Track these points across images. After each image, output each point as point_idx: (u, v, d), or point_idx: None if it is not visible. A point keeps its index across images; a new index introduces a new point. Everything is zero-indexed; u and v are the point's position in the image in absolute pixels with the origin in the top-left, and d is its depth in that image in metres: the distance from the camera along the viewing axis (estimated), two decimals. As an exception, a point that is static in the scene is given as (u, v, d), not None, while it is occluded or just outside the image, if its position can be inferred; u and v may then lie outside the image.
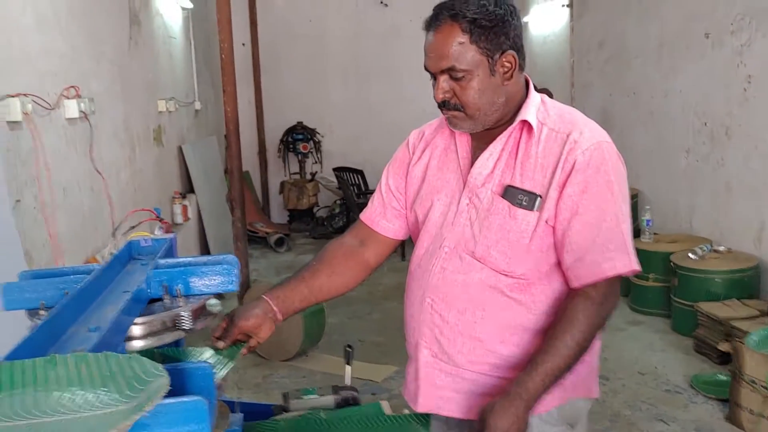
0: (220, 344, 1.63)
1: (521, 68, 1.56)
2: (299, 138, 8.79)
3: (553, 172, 1.50)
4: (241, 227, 4.98)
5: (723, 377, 4.01)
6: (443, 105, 1.54)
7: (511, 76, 1.53)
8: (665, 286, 5.04)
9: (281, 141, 8.88)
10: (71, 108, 3.13)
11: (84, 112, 3.24)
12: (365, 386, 4.15)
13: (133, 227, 1.75)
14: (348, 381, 1.85)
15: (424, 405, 1.66)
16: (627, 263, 1.50)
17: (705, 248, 4.80)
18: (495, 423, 1.41)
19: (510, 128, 1.56)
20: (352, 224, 1.87)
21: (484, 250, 1.55)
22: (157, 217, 1.72)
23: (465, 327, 1.58)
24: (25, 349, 1.04)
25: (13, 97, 2.55)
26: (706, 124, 5.24)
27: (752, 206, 4.86)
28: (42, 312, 1.33)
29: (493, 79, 1.51)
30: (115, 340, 1.17)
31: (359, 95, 8.75)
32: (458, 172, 1.63)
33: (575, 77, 7.49)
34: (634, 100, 6.34)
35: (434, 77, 1.54)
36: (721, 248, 4.83)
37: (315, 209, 8.87)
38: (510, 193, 1.53)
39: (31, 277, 1.50)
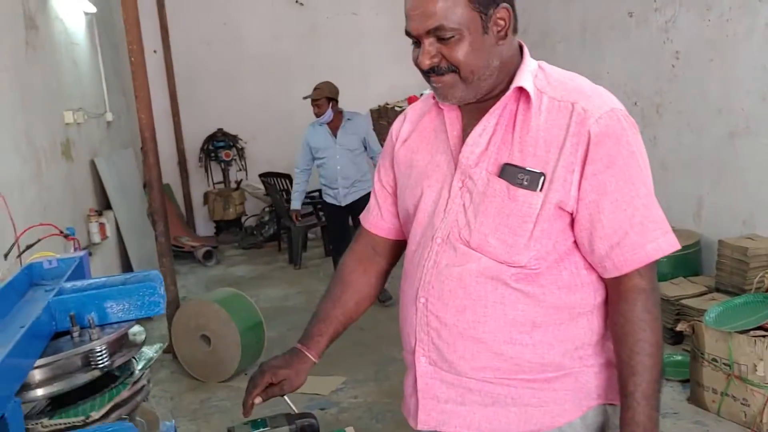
0: (258, 400, 1.56)
1: (515, 29, 1.36)
2: (221, 145, 8.41)
3: (561, 148, 1.29)
4: (165, 242, 4.63)
5: (679, 357, 3.93)
6: (432, 72, 1.33)
7: (506, 34, 1.33)
8: (609, 270, 4.96)
9: (202, 150, 8.48)
10: (-41, 120, 2.76)
11: (-25, 124, 2.86)
12: (312, 401, 3.89)
13: (30, 246, 1.45)
14: (294, 409, 1.60)
15: (425, 422, 1.45)
16: (671, 241, 1.34)
17: (646, 228, 4.74)
18: None
19: (504, 98, 1.35)
20: (358, 230, 1.71)
21: (480, 238, 1.34)
22: (62, 232, 1.43)
23: (465, 327, 1.36)
24: None
25: None
26: (636, 103, 5.19)
27: (689, 183, 4.83)
28: None
29: (486, 38, 1.30)
30: (3, 391, 0.89)
31: (280, 97, 8.42)
32: (449, 153, 1.42)
33: (500, 66, 7.40)
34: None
35: (418, 42, 1.33)
36: (662, 227, 4.78)
37: (243, 219, 8.52)
38: (508, 172, 1.32)
39: None
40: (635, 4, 5.19)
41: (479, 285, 1.34)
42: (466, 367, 1.38)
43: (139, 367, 1.21)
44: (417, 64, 1.34)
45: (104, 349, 1.09)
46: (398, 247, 1.65)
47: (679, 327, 3.69)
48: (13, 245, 1.37)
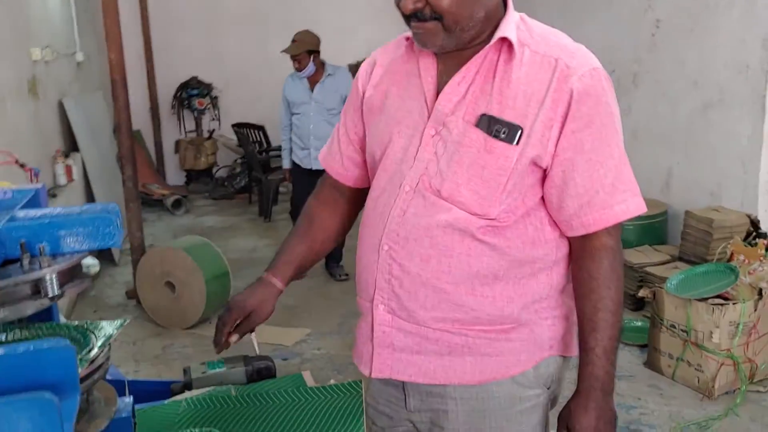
0: (233, 338, 1.53)
1: None
2: (194, 93, 8.26)
3: (541, 103, 1.28)
4: (133, 187, 4.55)
5: (639, 323, 4.00)
6: (414, 17, 1.28)
7: None
8: (577, 236, 5.00)
9: (175, 97, 8.33)
10: None
11: (-65, 53, 2.77)
12: (275, 351, 3.90)
13: (-17, 173, 1.40)
14: (257, 350, 1.59)
15: (379, 370, 1.44)
16: (639, 204, 1.35)
17: (615, 196, 4.78)
18: (581, 425, 1.35)
19: (486, 48, 1.32)
20: (323, 175, 1.68)
21: (452, 188, 1.32)
22: (17, 161, 1.38)
23: (428, 277, 1.35)
24: None
25: None
26: (614, 71, 5.18)
27: (660, 153, 4.87)
28: None
29: None
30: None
31: (258, 48, 8.26)
32: (422, 99, 1.38)
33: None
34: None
35: None
36: (631, 195, 4.81)
37: (214, 169, 8.43)
38: (486, 123, 1.29)
39: None
40: (619, -30, 5.15)
41: (446, 235, 1.33)
42: (425, 317, 1.38)
43: (99, 344, 1.18)
44: (399, 7, 1.30)
45: (54, 278, 1.07)
46: (364, 193, 1.62)
47: (641, 293, 3.75)
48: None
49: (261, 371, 1.56)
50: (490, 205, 1.31)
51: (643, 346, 3.77)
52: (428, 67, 1.38)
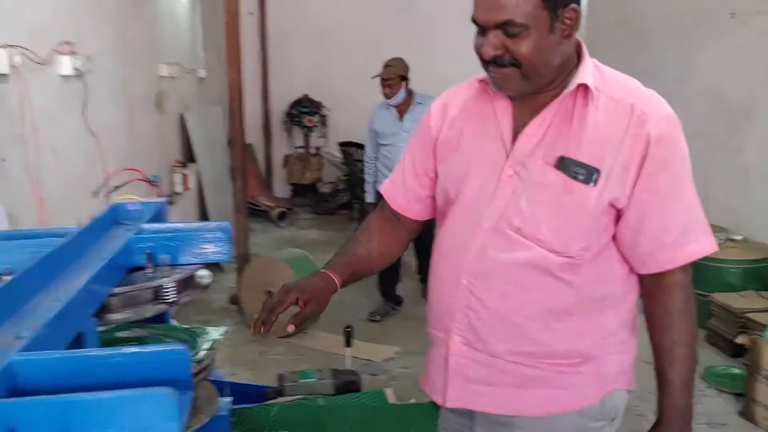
0: (291, 328, 1.53)
1: (578, 27, 1.38)
2: (305, 111, 8.60)
3: (618, 146, 1.34)
4: (242, 199, 4.82)
5: (736, 370, 3.86)
6: (493, 62, 1.36)
7: (570, 34, 1.36)
8: (677, 275, 4.87)
9: (286, 114, 8.70)
10: (65, 65, 2.97)
11: (79, 70, 3.07)
12: (364, 366, 4.01)
13: (118, 187, 1.59)
14: (348, 364, 1.70)
15: (455, 400, 1.51)
16: (711, 243, 1.41)
17: (721, 237, 4.63)
18: None
19: (564, 93, 1.38)
20: (383, 200, 1.73)
21: (533, 227, 1.38)
22: (146, 179, 1.56)
23: (506, 312, 1.42)
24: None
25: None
26: (724, 107, 5.04)
27: (771, 194, 4.68)
28: (5, 277, 1.18)
29: (551, 36, 1.32)
30: (83, 311, 1.02)
31: (366, 71, 8.44)
32: (498, 140, 1.44)
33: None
34: (652, 82, 6.11)
35: (483, 31, 1.35)
36: (738, 237, 4.65)
37: (319, 184, 8.71)
38: (565, 165, 1.36)
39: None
40: (739, 6, 5.02)
41: (525, 272, 1.40)
42: (501, 350, 1.44)
43: (205, 347, 1.32)
44: (479, 53, 1.37)
45: (173, 287, 1.22)
46: (420, 225, 1.67)
47: (739, 339, 3.63)
48: (102, 186, 1.52)
49: (348, 384, 1.68)
50: (570, 243, 1.37)
51: (739, 395, 3.64)
52: (504, 109, 1.45)
